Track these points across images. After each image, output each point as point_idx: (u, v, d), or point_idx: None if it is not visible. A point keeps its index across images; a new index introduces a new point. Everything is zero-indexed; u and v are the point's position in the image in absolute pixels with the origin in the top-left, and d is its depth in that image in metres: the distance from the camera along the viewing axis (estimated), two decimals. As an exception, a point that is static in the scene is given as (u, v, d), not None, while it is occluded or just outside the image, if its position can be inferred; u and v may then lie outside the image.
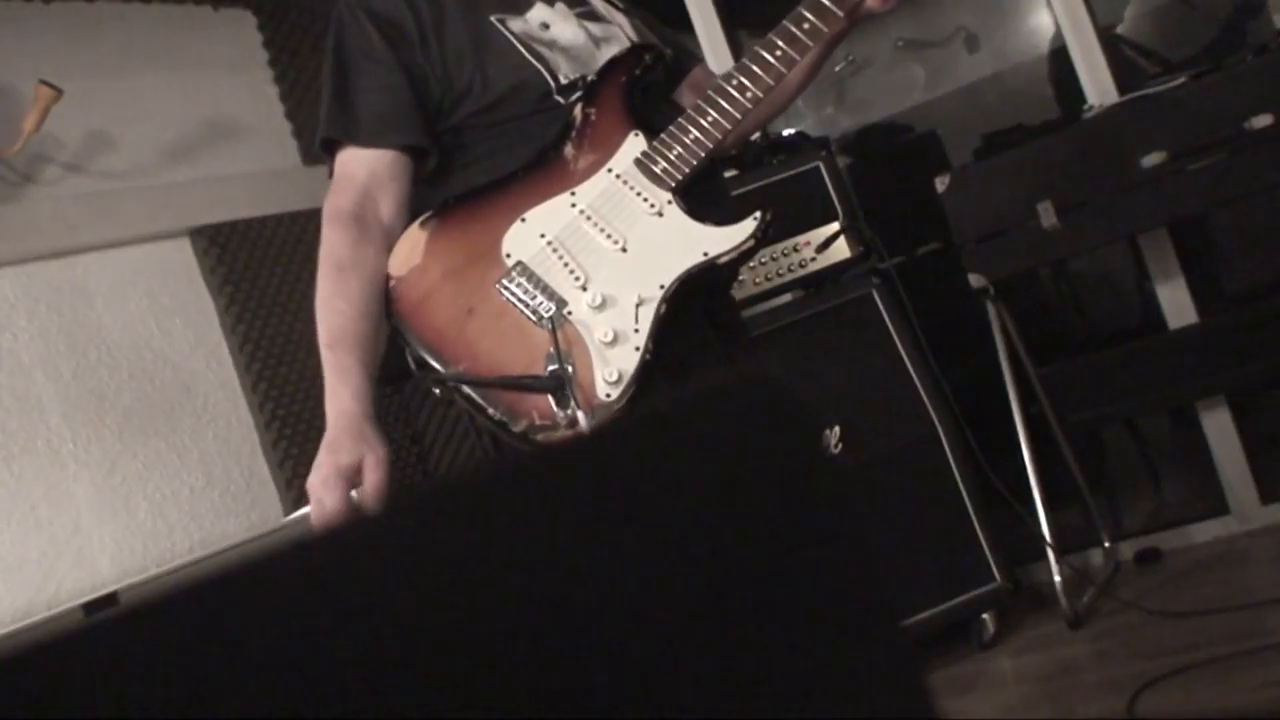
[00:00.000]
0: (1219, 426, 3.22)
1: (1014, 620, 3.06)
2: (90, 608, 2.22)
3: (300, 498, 3.11)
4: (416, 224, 1.68)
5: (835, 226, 3.11)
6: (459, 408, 1.67)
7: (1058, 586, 2.96)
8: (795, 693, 0.62)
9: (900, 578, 2.83)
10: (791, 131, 3.35)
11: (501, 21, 1.75)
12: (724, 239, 1.65)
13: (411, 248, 1.67)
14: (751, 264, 2.98)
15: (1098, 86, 3.27)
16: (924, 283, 3.34)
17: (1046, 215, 2.89)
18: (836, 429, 2.96)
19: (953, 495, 3.00)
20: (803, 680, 0.63)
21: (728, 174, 3.12)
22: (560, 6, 1.82)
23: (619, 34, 1.84)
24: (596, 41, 1.80)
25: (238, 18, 3.47)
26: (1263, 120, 2.69)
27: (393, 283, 1.66)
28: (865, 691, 0.66)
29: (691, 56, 2.03)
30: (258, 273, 3.26)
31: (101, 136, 2.99)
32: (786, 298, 3.18)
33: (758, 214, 1.66)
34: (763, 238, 1.66)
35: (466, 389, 1.61)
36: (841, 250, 3.11)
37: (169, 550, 2.83)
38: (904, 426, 3.03)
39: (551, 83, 1.72)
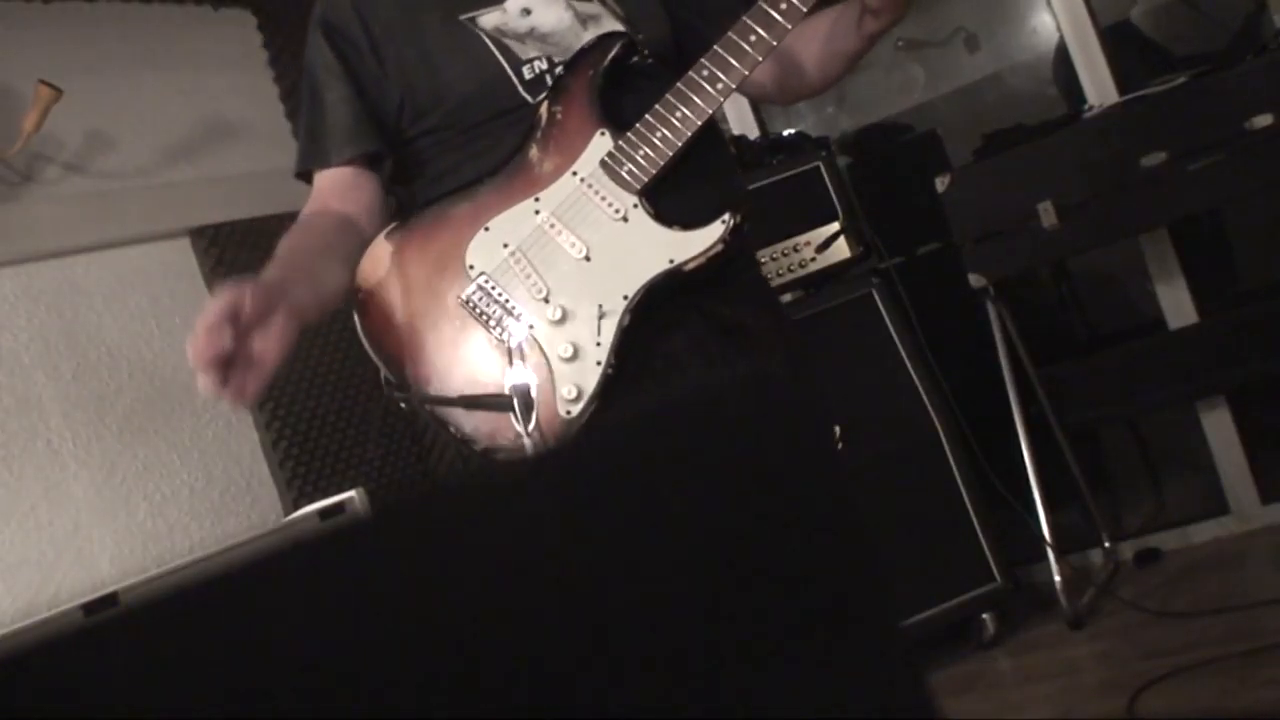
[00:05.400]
0: (1219, 426, 3.22)
1: (1014, 620, 3.06)
2: (90, 608, 2.22)
3: (300, 498, 3.11)
4: (382, 235, 1.65)
5: (835, 226, 3.11)
6: (426, 423, 1.65)
7: (1058, 586, 2.96)
8: (795, 692, 0.62)
9: (900, 578, 2.83)
10: (791, 131, 3.35)
11: (472, 20, 1.67)
12: (690, 244, 1.56)
13: (377, 261, 1.64)
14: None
15: (1098, 86, 3.27)
16: (924, 283, 3.34)
17: (1046, 215, 2.89)
18: (836, 429, 2.96)
19: (953, 495, 3.00)
20: (803, 679, 0.63)
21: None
22: None
23: (608, 13, 1.72)
24: (584, 21, 1.69)
25: (238, 18, 3.47)
26: (1263, 120, 2.69)
27: (360, 297, 1.64)
28: (865, 691, 0.66)
29: (723, 19, 1.73)
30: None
31: (101, 136, 2.99)
32: (787, 298, 3.18)
33: (725, 216, 1.56)
34: (733, 240, 1.56)
35: (430, 407, 1.59)
36: (841, 250, 3.11)
37: (169, 550, 2.83)
38: (904, 426, 3.03)
39: (515, 79, 1.64)
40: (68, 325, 2.82)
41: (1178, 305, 3.25)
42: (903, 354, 3.05)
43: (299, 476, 3.17)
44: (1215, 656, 2.39)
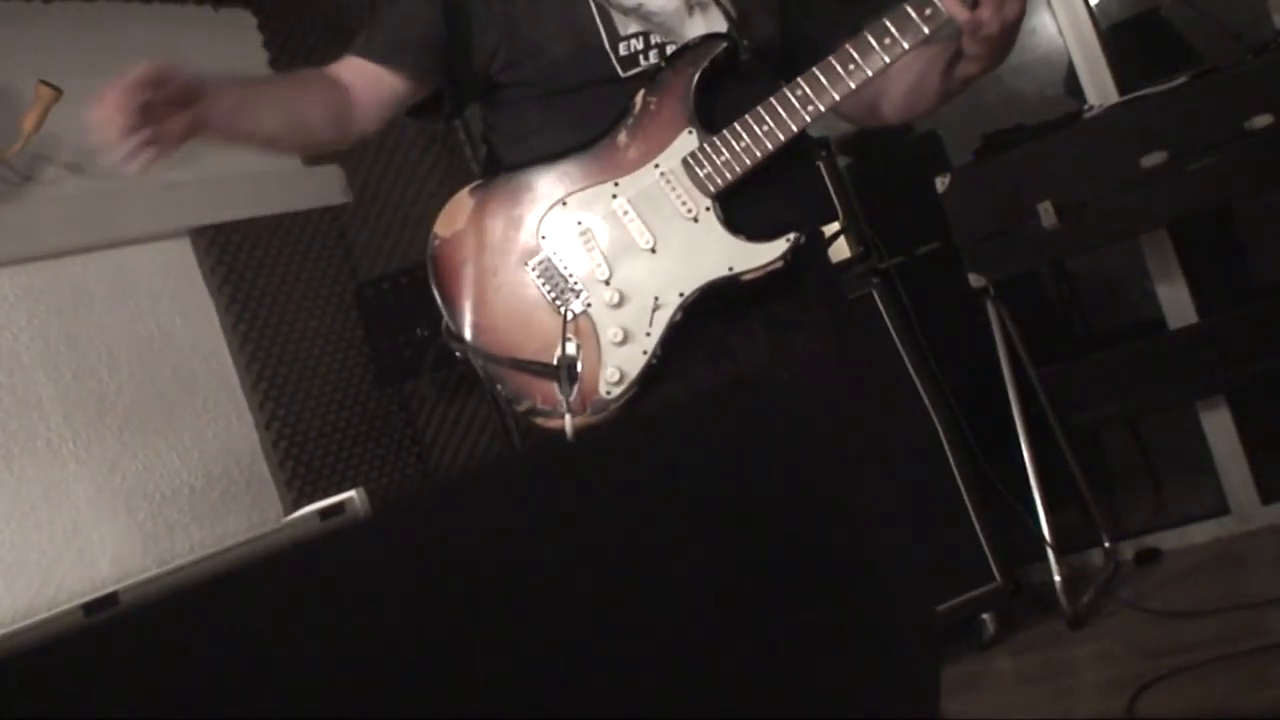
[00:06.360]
0: (1219, 426, 3.22)
1: (1014, 620, 3.06)
2: (90, 608, 2.22)
3: (300, 498, 3.11)
4: (465, 190, 1.73)
5: (835, 226, 3.11)
6: (475, 376, 1.76)
7: (1058, 586, 2.95)
8: (796, 690, 0.62)
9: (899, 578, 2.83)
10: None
11: None
12: (752, 256, 1.63)
13: (458, 213, 1.72)
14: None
15: (1098, 86, 3.27)
16: (924, 283, 3.34)
17: (1046, 215, 2.89)
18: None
19: (953, 495, 2.99)
20: (804, 677, 0.63)
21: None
22: None
23: (717, 4, 1.73)
24: (691, 7, 1.72)
25: (238, 18, 3.47)
26: (1263, 120, 2.69)
27: (437, 243, 1.73)
28: (868, 689, 0.66)
29: (834, 33, 1.73)
30: (258, 273, 3.26)
31: (101, 136, 2.99)
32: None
33: (790, 235, 1.63)
34: (794, 260, 1.63)
35: (481, 361, 1.69)
36: (841, 250, 3.11)
37: (169, 550, 2.83)
38: (904, 426, 3.03)
39: (610, 53, 1.68)
40: (68, 325, 2.82)
41: (1178, 305, 3.25)
42: (903, 354, 3.05)
43: (299, 476, 3.17)
44: (1215, 656, 2.38)
